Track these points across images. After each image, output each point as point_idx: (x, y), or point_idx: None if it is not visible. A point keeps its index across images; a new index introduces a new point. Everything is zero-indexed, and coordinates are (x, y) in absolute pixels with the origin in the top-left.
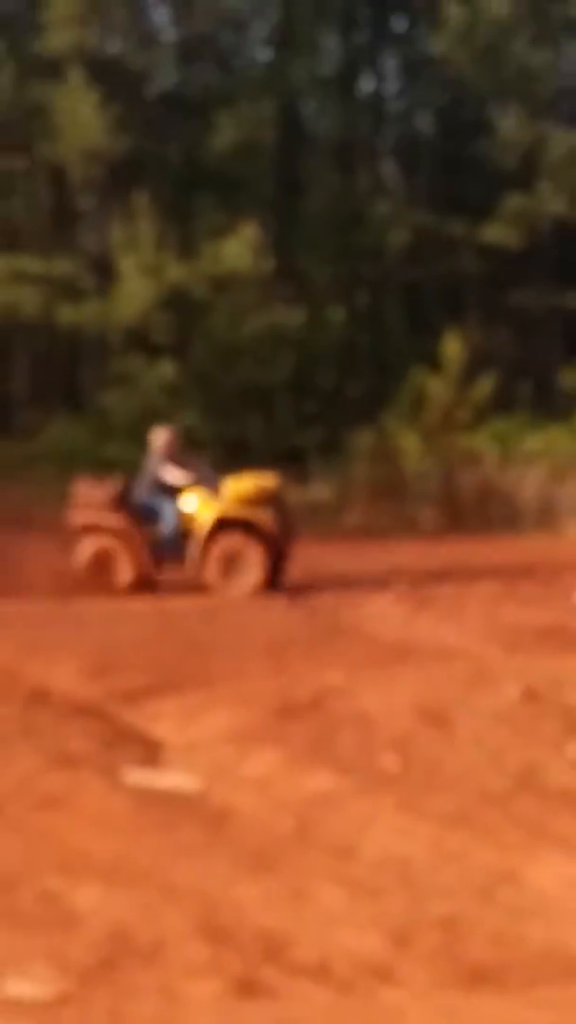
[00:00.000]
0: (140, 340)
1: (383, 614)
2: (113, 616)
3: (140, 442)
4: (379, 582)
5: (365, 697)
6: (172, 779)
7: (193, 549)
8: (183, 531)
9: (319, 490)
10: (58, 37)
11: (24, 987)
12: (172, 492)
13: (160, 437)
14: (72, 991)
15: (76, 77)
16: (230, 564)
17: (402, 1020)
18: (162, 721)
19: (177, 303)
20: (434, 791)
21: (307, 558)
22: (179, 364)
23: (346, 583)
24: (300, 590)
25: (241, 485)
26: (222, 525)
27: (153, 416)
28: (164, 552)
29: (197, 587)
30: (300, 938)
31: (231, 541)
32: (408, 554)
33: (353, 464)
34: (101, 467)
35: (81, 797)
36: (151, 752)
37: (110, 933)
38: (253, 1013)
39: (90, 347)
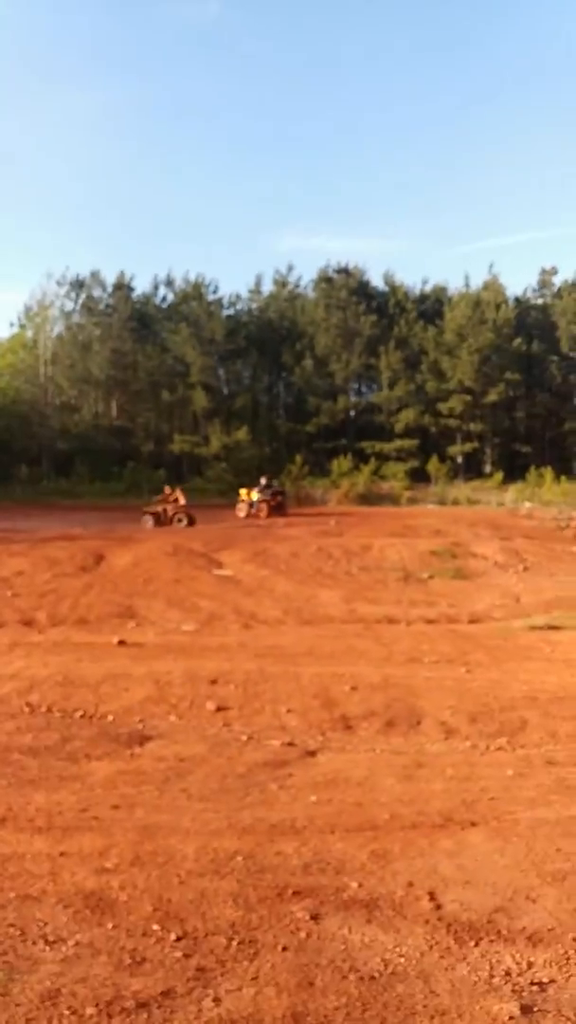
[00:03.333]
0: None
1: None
2: (202, 531)
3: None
4: None
5: (278, 548)
6: (226, 572)
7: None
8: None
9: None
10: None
11: (187, 626)
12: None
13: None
14: (202, 628)
15: None
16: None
17: (285, 634)
18: (223, 556)
19: None
20: (294, 573)
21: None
22: None
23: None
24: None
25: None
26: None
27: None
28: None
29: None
30: (259, 612)
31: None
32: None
33: None
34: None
35: (199, 578)
36: (220, 564)
37: (211, 614)
38: (248, 633)
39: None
